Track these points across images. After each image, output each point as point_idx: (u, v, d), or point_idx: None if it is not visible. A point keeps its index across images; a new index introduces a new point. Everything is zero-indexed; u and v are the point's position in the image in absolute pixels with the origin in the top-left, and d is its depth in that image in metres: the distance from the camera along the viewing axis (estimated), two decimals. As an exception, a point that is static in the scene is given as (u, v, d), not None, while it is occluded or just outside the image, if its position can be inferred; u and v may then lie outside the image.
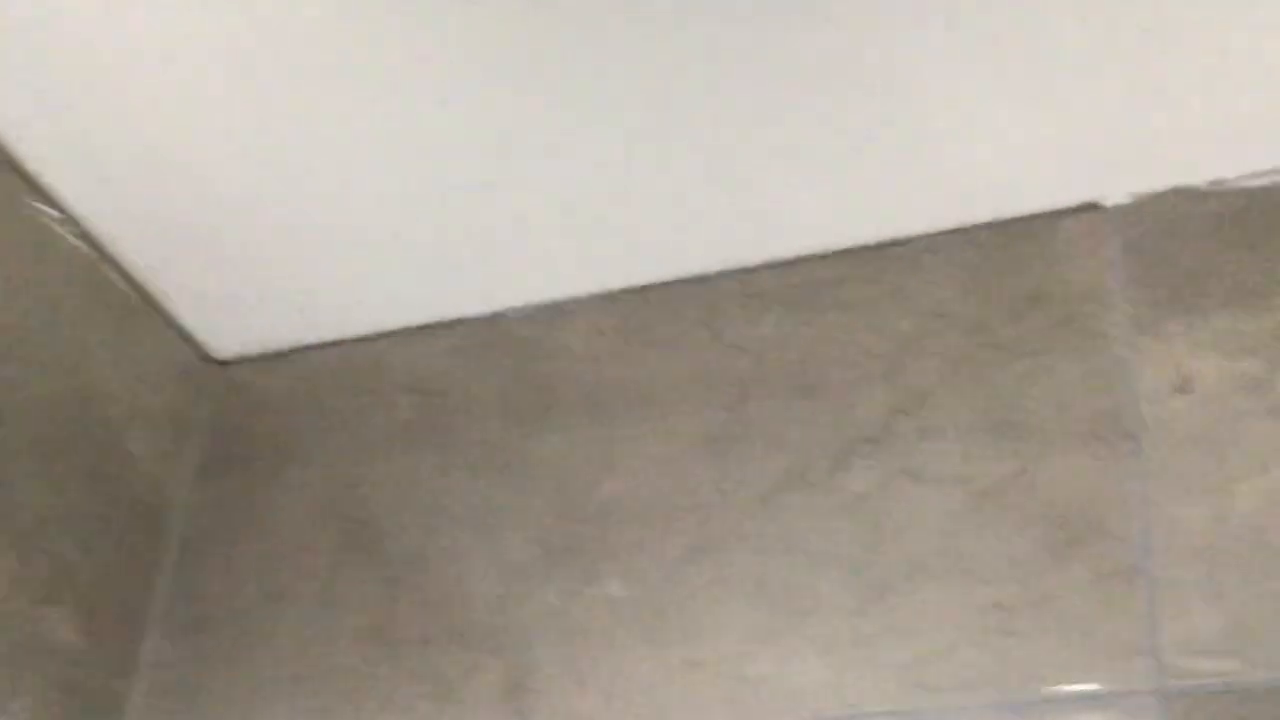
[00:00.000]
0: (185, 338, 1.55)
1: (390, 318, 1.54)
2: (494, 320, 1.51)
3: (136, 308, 1.50)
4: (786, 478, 1.31)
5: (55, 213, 1.42)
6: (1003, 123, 1.30)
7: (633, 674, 1.26)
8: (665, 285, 1.47)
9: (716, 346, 1.41)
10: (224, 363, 1.59)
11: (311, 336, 1.56)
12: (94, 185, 1.42)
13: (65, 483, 1.39)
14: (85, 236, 1.45)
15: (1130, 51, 1.23)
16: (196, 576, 1.47)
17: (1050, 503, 1.21)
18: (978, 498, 1.23)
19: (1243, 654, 1.09)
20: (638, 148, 1.35)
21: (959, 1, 1.20)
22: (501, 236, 1.45)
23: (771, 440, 1.33)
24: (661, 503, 1.34)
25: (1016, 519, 1.21)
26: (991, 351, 1.30)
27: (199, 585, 1.46)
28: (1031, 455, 1.23)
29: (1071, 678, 1.13)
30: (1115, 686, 1.11)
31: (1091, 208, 1.34)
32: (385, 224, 1.45)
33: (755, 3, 1.21)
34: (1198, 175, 1.31)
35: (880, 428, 1.30)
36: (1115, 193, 1.33)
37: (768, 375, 1.37)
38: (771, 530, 1.29)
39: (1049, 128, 1.30)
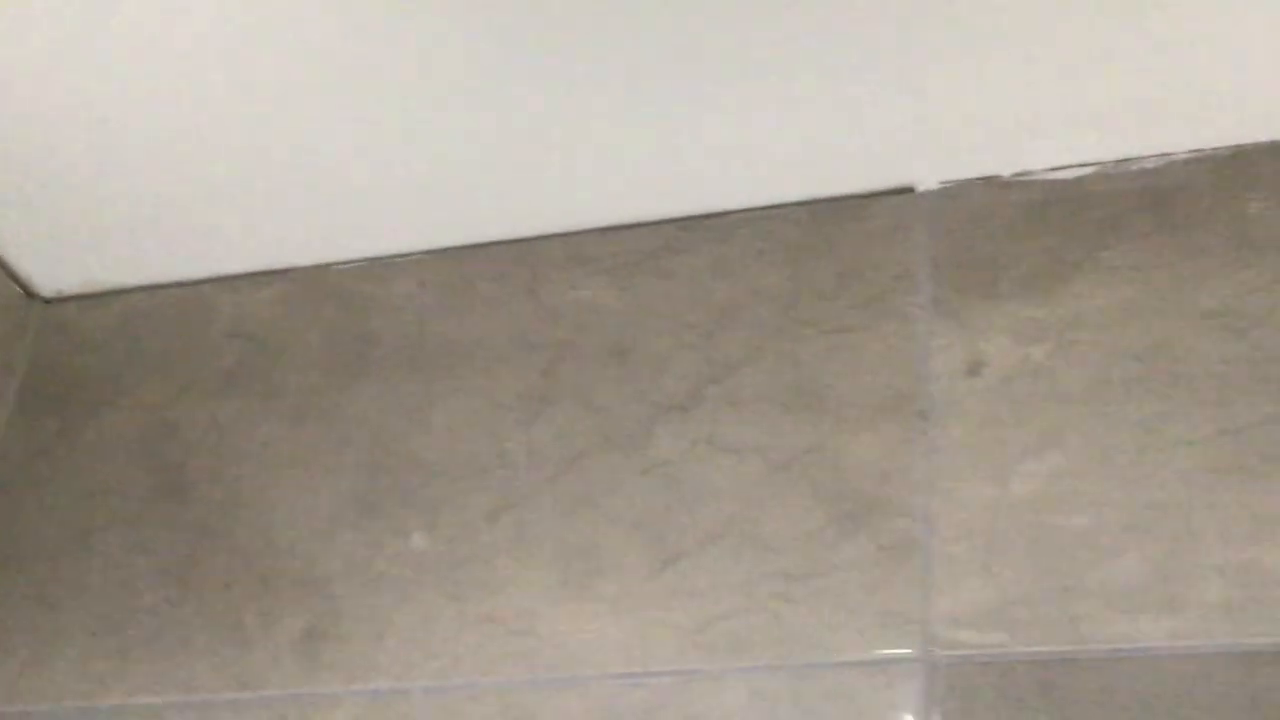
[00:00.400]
0: (8, 273, 1.54)
1: (217, 263, 1.54)
2: (321, 271, 1.52)
3: (-43, 241, 1.49)
4: (594, 441, 1.34)
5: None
6: (824, 106, 1.32)
7: (430, 627, 1.28)
8: (491, 245, 1.48)
9: (536, 309, 1.43)
10: (47, 300, 1.58)
11: (137, 278, 1.56)
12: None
13: None
14: (-96, 169, 1.44)
15: (945, 45, 1.27)
16: (6, 515, 1.47)
17: (842, 476, 1.24)
18: (774, 469, 1.27)
19: (1009, 628, 1.13)
20: (465, 110, 1.36)
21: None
22: (331, 189, 1.46)
23: (583, 403, 1.36)
24: (471, 460, 1.36)
25: (808, 491, 1.25)
26: (800, 327, 1.33)
27: (9, 524, 1.46)
28: (828, 430, 1.27)
29: (844, 646, 1.17)
30: (884, 654, 1.15)
31: (904, 192, 1.38)
32: (215, 170, 1.45)
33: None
34: (1004, 166, 1.34)
35: (688, 396, 1.33)
36: (927, 179, 1.37)
37: (584, 339, 1.39)
38: (575, 491, 1.31)
39: (868, 112, 1.33)
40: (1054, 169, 1.33)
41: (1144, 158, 1.31)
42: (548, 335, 1.41)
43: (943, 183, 1.37)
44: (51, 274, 1.57)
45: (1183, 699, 1.07)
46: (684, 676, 1.19)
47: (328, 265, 1.52)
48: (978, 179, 1.36)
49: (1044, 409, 1.22)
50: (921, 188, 1.37)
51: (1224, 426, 1.16)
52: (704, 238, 1.42)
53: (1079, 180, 1.32)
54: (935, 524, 1.20)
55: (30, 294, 1.57)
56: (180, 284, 1.56)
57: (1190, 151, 1.30)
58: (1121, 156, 1.32)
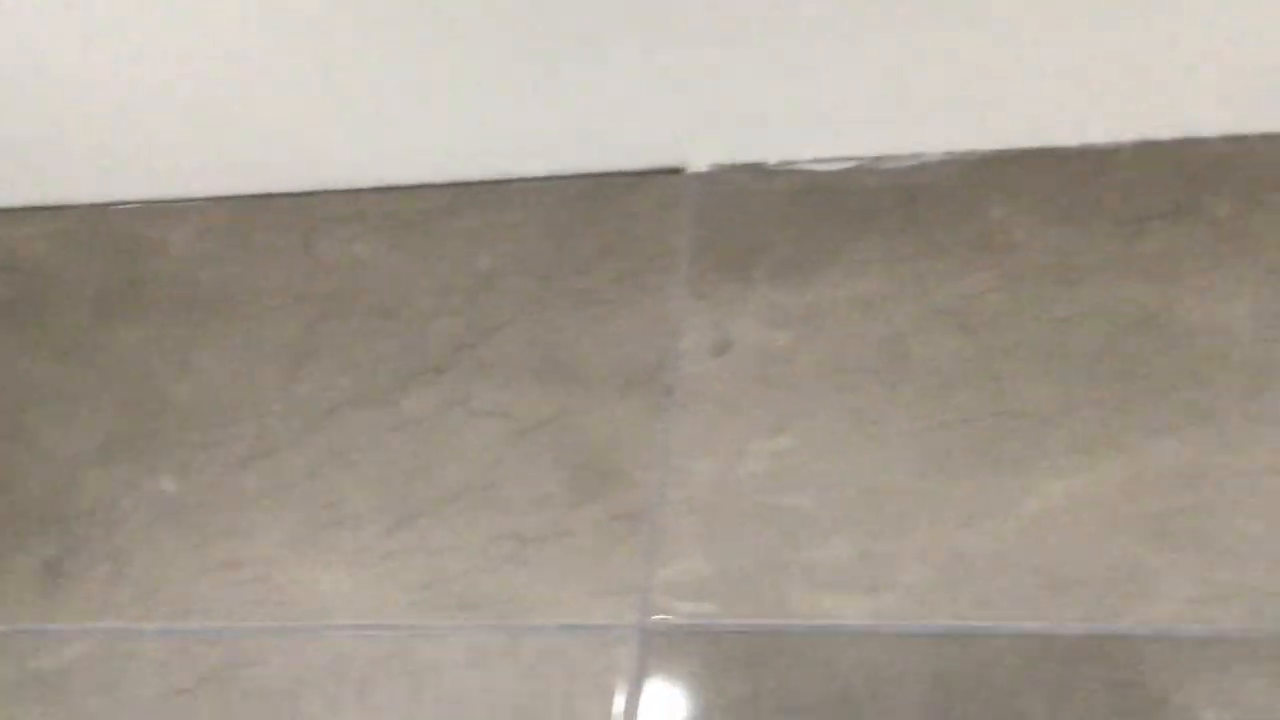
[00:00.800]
0: None
1: (-6, 196, 1.53)
2: (99, 210, 1.52)
3: None
4: (350, 396, 1.35)
5: None
6: (601, 85, 1.35)
7: (169, 569, 1.29)
8: (271, 197, 1.49)
9: (309, 262, 1.44)
10: None
11: (-89, 205, 1.54)
12: None
13: None
14: None
15: (721, 34, 1.29)
16: None
17: (583, 445, 1.27)
18: (519, 434, 1.29)
19: (722, 600, 1.17)
20: (251, 62, 1.37)
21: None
22: (115, 129, 1.45)
23: (343, 358, 1.37)
24: (228, 407, 1.37)
25: (549, 458, 1.27)
26: (557, 298, 1.36)
27: None
28: (575, 399, 1.30)
29: (566, 610, 1.20)
30: (602, 620, 1.18)
31: (674, 173, 1.40)
32: (-6, 101, 1.44)
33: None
34: (771, 154, 1.38)
35: (445, 358, 1.35)
36: (697, 161, 1.40)
37: (351, 295, 1.41)
38: (327, 444, 1.33)
39: (642, 93, 1.35)
40: (817, 160, 1.37)
41: (900, 156, 1.35)
42: (317, 289, 1.42)
43: (711, 166, 1.40)
44: None
45: (877, 675, 1.11)
46: (408, 631, 1.22)
47: (106, 205, 1.52)
48: (745, 165, 1.39)
49: (781, 392, 1.26)
50: (690, 169, 1.40)
51: (943, 419, 1.21)
52: (478, 204, 1.44)
53: (838, 173, 1.36)
54: (666, 496, 1.23)
55: None
56: (-45, 213, 1.54)
57: (944, 153, 1.34)
58: (880, 153, 1.35)
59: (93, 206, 1.52)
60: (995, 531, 1.15)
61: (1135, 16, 1.22)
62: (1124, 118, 1.30)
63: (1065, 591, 1.11)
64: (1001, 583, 1.13)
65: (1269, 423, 1.14)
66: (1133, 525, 1.13)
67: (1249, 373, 1.17)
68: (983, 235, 1.29)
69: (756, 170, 1.38)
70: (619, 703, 1.14)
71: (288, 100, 1.40)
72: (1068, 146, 1.32)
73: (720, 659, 1.15)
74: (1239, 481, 1.12)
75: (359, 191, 1.47)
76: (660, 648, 1.16)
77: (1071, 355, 1.21)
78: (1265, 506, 1.11)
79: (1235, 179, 1.26)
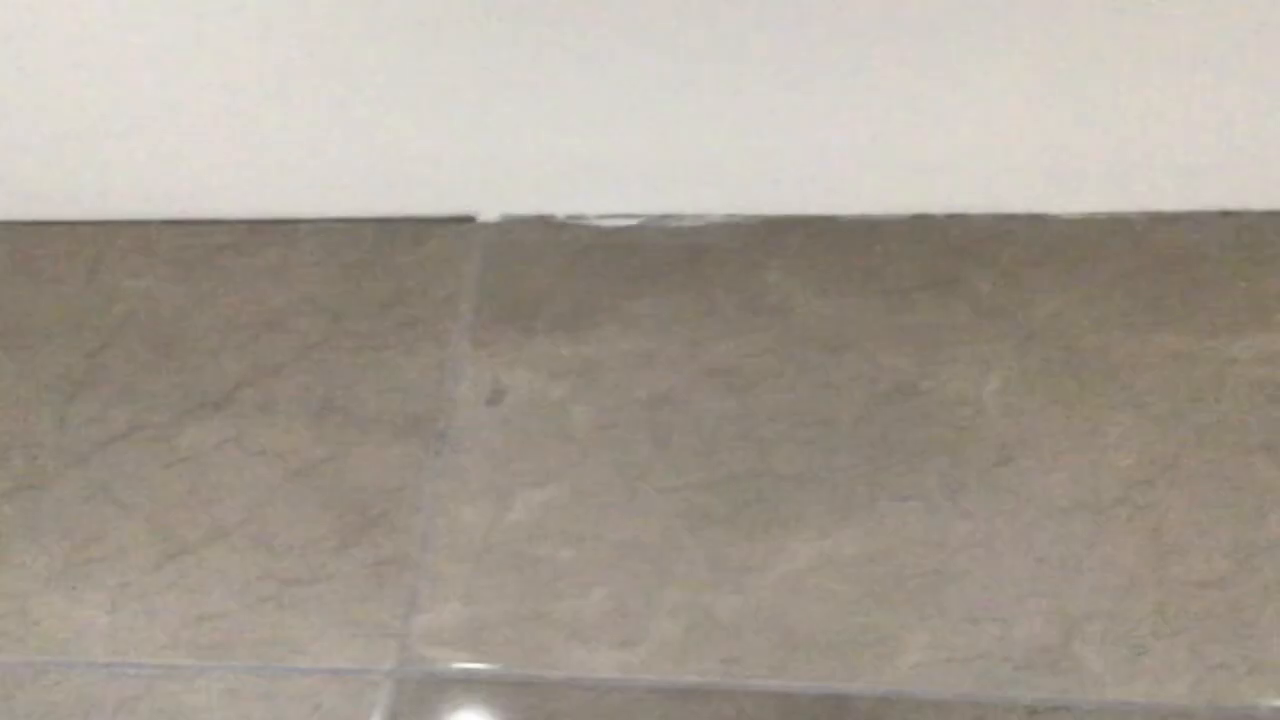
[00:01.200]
0: None
1: None
2: (-118, 229, 1.49)
3: None
4: (125, 429, 1.34)
5: None
6: (396, 129, 1.36)
7: (-76, 599, 1.27)
8: (58, 224, 1.48)
9: (93, 292, 1.43)
10: None
11: None
12: None
13: None
14: None
15: (514, 83, 1.31)
16: None
17: (354, 489, 1.28)
18: (291, 475, 1.29)
19: (479, 650, 1.18)
20: (46, 87, 1.36)
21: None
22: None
23: (121, 390, 1.36)
24: (0, 435, 1.35)
25: (320, 500, 1.28)
26: (342, 340, 1.36)
27: None
28: (349, 442, 1.30)
29: (324, 653, 1.20)
30: (359, 665, 1.19)
31: (466, 221, 1.42)
32: None
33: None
34: (561, 208, 1.40)
35: (224, 395, 1.35)
36: (489, 211, 1.41)
37: (135, 328, 1.40)
38: (97, 478, 1.32)
39: (438, 140, 1.37)
40: (604, 216, 1.39)
41: (684, 215, 1.38)
42: (100, 320, 1.41)
43: (502, 217, 1.41)
44: None
45: (621, 730, 1.13)
46: (163, 671, 1.21)
47: (-110, 224, 1.50)
48: (534, 217, 1.41)
49: (552, 444, 1.27)
50: (482, 219, 1.42)
51: (706, 478, 1.23)
52: (270, 242, 1.44)
53: (624, 229, 1.39)
54: (431, 543, 1.24)
55: None
56: None
57: (726, 215, 1.37)
58: (665, 212, 1.38)
59: (-124, 225, 1.50)
60: (747, 590, 1.17)
61: (910, 98, 1.26)
62: (899, 191, 1.34)
63: (809, 651, 1.14)
64: (749, 641, 1.15)
65: (1009, 495, 1.18)
66: (877, 589, 1.16)
67: (995, 445, 1.21)
68: (758, 298, 1.32)
69: (546, 223, 1.40)
70: (368, 749, 1.15)
71: (77, 127, 1.39)
72: (845, 215, 1.36)
73: (475, 707, 1.16)
74: (977, 551, 1.16)
75: (148, 223, 1.47)
76: (415, 694, 1.17)
77: (832, 421, 1.24)
78: (1000, 576, 1.15)
79: (998, 256, 1.31)
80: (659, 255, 1.37)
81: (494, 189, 1.41)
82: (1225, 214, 1.30)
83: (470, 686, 1.17)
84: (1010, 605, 1.14)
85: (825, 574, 1.17)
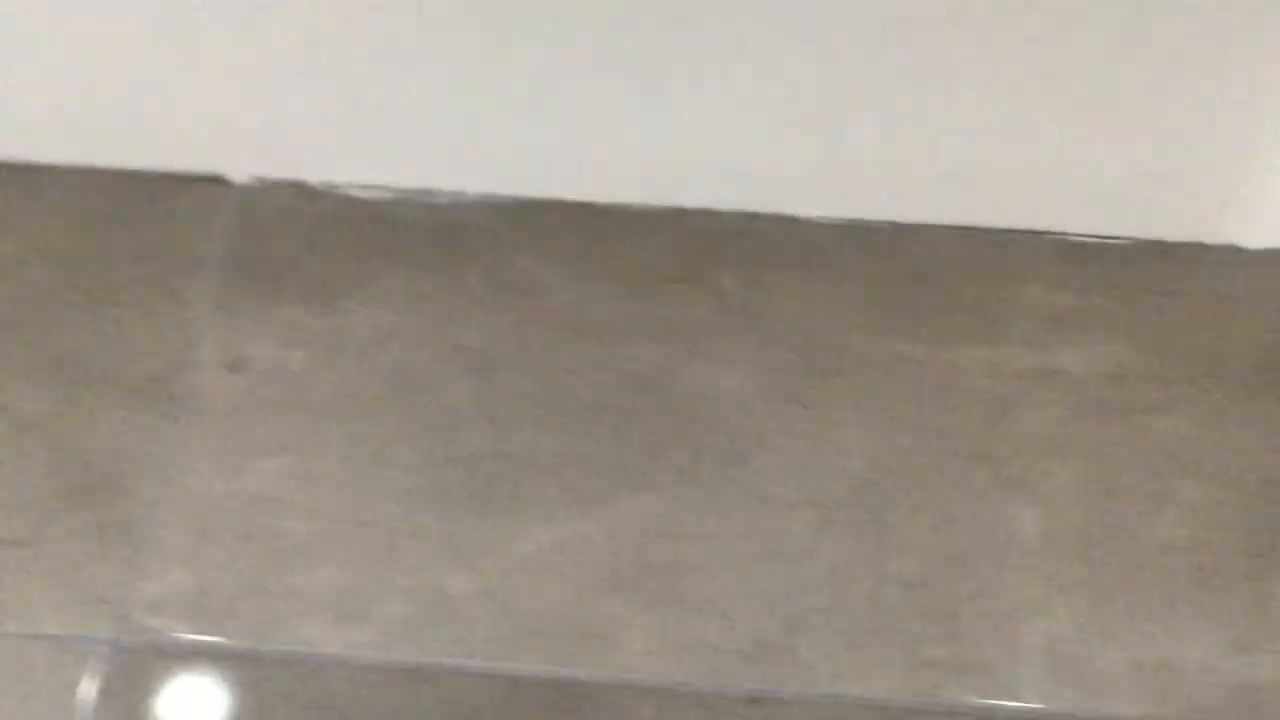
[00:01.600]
0: None
1: None
2: None
3: None
4: None
5: None
6: (148, 75, 1.32)
7: None
8: None
9: None
10: None
11: None
12: None
13: None
14: None
15: (269, 40, 1.28)
16: None
17: (82, 449, 1.24)
18: (17, 431, 1.25)
19: (201, 620, 1.16)
20: None
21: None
22: None
23: None
24: None
25: (45, 459, 1.24)
26: (77, 294, 1.32)
27: None
28: (79, 400, 1.26)
29: (39, 618, 1.16)
30: (75, 631, 1.15)
31: (217, 181, 1.39)
32: None
33: None
34: (316, 174, 1.38)
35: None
36: (240, 172, 1.38)
37: None
38: None
39: (188, 92, 1.33)
40: (358, 185, 1.37)
41: (441, 191, 1.37)
42: None
43: (252, 179, 1.38)
44: None
45: (346, 706, 1.12)
46: None
47: None
48: (288, 182, 1.38)
49: (290, 414, 1.26)
50: (234, 179, 1.39)
51: (446, 456, 1.23)
52: (7, 185, 1.38)
53: (378, 201, 1.37)
54: (158, 509, 1.21)
55: None
56: None
57: (482, 194, 1.37)
58: (421, 186, 1.37)
59: None
60: (479, 572, 1.18)
61: (669, 93, 1.28)
62: (655, 183, 1.35)
63: (537, 635, 1.15)
64: (479, 623, 1.16)
65: (742, 490, 1.21)
66: (609, 576, 1.18)
67: (732, 440, 1.24)
68: (508, 280, 1.32)
69: (298, 189, 1.38)
70: (80, 718, 1.12)
71: None
72: (601, 203, 1.37)
73: (192, 680, 1.14)
74: (709, 543, 1.19)
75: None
76: (132, 664, 1.15)
77: (573, 407, 1.25)
78: (729, 568, 1.18)
79: (746, 254, 1.33)
80: (412, 230, 1.36)
81: (244, 149, 1.38)
82: (964, 229, 1.35)
83: (191, 658, 1.15)
84: (737, 598, 1.16)
85: (559, 558, 1.18)
